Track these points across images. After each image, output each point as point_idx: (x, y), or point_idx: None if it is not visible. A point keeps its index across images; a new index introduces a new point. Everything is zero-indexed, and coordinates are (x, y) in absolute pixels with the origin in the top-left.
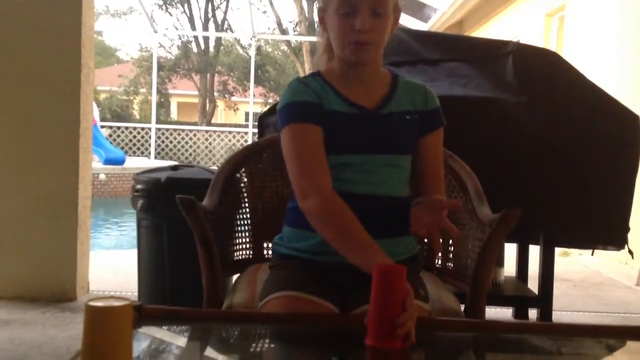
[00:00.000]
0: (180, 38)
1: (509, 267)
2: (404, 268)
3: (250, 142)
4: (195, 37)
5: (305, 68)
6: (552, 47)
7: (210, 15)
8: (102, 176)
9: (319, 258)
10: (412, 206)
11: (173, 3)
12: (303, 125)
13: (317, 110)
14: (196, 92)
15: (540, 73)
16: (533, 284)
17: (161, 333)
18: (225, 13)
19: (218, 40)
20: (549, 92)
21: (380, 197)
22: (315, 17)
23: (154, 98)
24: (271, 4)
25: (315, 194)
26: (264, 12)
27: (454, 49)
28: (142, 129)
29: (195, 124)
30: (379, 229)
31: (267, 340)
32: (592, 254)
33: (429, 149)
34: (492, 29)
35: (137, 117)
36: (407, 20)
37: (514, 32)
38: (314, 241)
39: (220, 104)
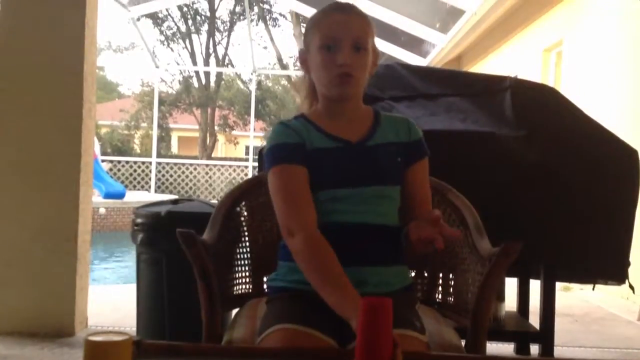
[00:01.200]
0: (181, 73)
1: (510, 302)
2: (389, 301)
3: (250, 175)
4: (197, 72)
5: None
6: (550, 83)
7: (211, 50)
8: (102, 210)
9: (311, 289)
10: (408, 225)
11: (175, 39)
12: (288, 166)
13: (300, 151)
14: (197, 126)
15: (538, 107)
16: (534, 319)
17: None
18: (226, 48)
19: (219, 75)
20: (547, 126)
21: (371, 226)
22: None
23: (154, 132)
24: (272, 39)
25: (300, 231)
26: (265, 47)
27: (452, 84)
28: (143, 163)
29: (195, 157)
30: (371, 257)
31: None
32: (593, 289)
33: (415, 179)
34: (490, 65)
35: (138, 151)
36: (406, 56)
37: (512, 67)
38: None
39: (220, 137)
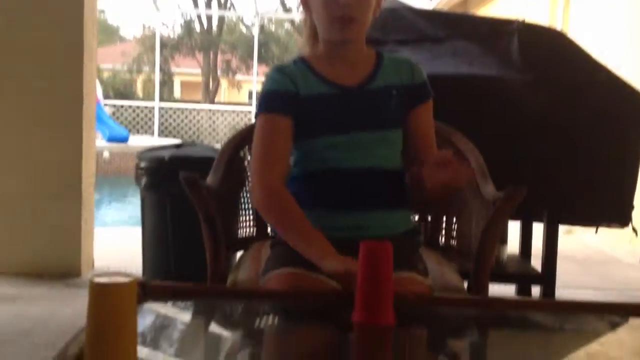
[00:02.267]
0: (183, 16)
1: (513, 245)
2: (389, 245)
3: (253, 120)
4: (199, 16)
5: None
6: (558, 26)
7: None
8: (105, 154)
9: None
10: (414, 170)
11: None
12: (272, 116)
13: (289, 100)
14: (199, 71)
15: (546, 52)
16: (536, 262)
17: (165, 309)
18: None
19: (221, 18)
20: (554, 71)
21: (370, 170)
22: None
23: (157, 76)
24: None
25: (260, 189)
26: None
27: (458, 27)
28: (146, 107)
29: (198, 102)
30: (371, 201)
31: (269, 316)
32: (596, 232)
33: (419, 122)
34: (497, 8)
35: (140, 95)
36: None
37: (519, 10)
38: (311, 218)
39: (223, 82)
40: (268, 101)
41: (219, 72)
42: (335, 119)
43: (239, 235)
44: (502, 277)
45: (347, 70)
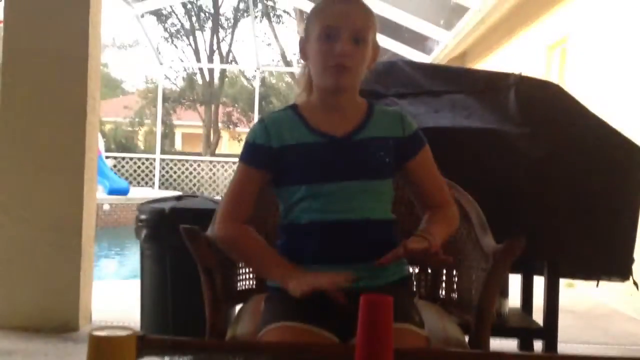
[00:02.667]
0: (185, 70)
1: (514, 299)
2: (390, 299)
3: None
4: (200, 69)
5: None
6: (554, 80)
7: (215, 47)
8: (106, 206)
9: None
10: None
11: (179, 36)
12: (247, 168)
13: (262, 153)
14: (200, 123)
15: (542, 104)
16: (538, 316)
17: None
18: (230, 45)
19: (223, 72)
20: (551, 123)
21: (358, 222)
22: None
23: (158, 129)
24: (275, 36)
25: (221, 222)
26: (269, 44)
27: (456, 81)
28: (147, 159)
29: (199, 154)
30: (361, 253)
31: None
32: (597, 286)
33: (420, 170)
34: (494, 61)
35: (142, 147)
36: (410, 53)
37: (516, 64)
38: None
39: (224, 134)
40: (244, 152)
41: (220, 125)
42: (321, 167)
43: (238, 288)
44: (504, 331)
45: (337, 119)
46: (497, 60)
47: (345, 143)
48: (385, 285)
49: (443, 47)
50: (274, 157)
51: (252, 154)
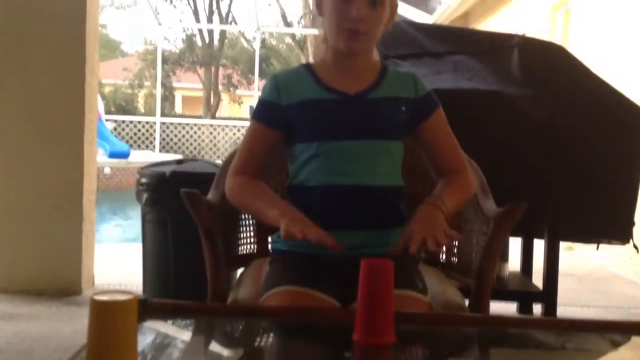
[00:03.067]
0: (184, 31)
1: (514, 262)
2: (390, 263)
3: None
4: (200, 30)
5: (310, 61)
6: (558, 41)
7: (214, 8)
8: (107, 170)
9: (316, 252)
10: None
11: None
12: (259, 126)
13: (273, 111)
14: (200, 86)
15: (546, 66)
16: (538, 279)
17: (166, 327)
18: (229, 6)
19: (222, 33)
20: (554, 85)
21: (368, 188)
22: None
23: (158, 91)
24: None
25: (231, 176)
26: (269, 4)
27: (459, 42)
28: (147, 122)
29: (199, 117)
30: (369, 220)
31: (269, 335)
32: (597, 249)
33: (433, 132)
34: (497, 22)
35: (142, 110)
36: (412, 13)
37: (520, 25)
38: None
39: (224, 97)
40: (256, 109)
41: (220, 87)
42: (333, 124)
43: (239, 252)
44: (504, 294)
45: (349, 78)
46: (500, 21)
47: (358, 101)
48: (389, 253)
49: (445, 7)
50: (284, 114)
51: (263, 111)
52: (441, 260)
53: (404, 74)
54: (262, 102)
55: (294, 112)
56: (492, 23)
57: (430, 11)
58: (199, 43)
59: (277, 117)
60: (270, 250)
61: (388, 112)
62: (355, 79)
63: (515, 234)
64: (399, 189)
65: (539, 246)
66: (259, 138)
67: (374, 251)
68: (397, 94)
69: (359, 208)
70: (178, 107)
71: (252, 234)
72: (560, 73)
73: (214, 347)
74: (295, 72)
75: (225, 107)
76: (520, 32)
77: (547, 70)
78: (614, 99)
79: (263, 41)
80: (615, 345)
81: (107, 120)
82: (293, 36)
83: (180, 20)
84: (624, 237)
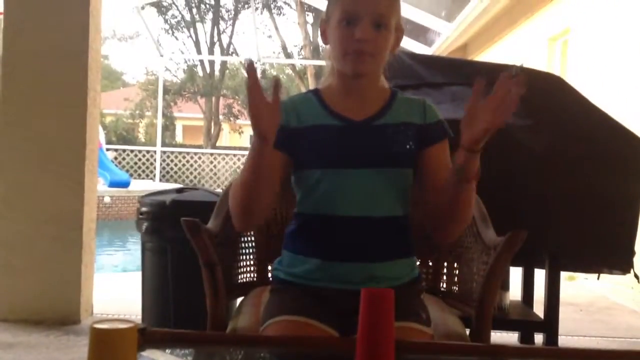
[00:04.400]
0: (186, 62)
1: (515, 291)
2: (391, 292)
3: None
4: (201, 61)
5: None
6: (556, 72)
7: (215, 39)
8: (107, 199)
9: (316, 284)
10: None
11: (179, 27)
12: None
13: (280, 133)
14: (201, 115)
15: (544, 96)
16: (539, 308)
17: (165, 356)
18: (230, 37)
19: (223, 63)
20: (553, 115)
21: (371, 219)
22: (320, 42)
23: (159, 121)
24: (276, 28)
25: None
26: (269, 36)
27: (457, 72)
28: (148, 151)
29: (200, 146)
30: (374, 252)
31: None
32: (598, 279)
33: (436, 160)
34: (495, 53)
35: (143, 140)
36: (411, 45)
37: (518, 56)
38: (310, 266)
39: (225, 126)
40: None
41: (220, 117)
42: (338, 151)
43: (239, 281)
44: (505, 324)
45: (357, 103)
46: (499, 53)
47: (364, 128)
48: (397, 286)
49: (444, 39)
50: (291, 137)
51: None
52: (442, 289)
53: (415, 100)
54: None
55: (300, 136)
56: (491, 54)
57: (429, 43)
58: (200, 73)
59: (285, 140)
60: (271, 278)
61: (394, 139)
62: (363, 104)
63: (515, 264)
64: (404, 219)
65: (540, 275)
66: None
67: (380, 285)
68: (405, 120)
69: (361, 240)
70: (179, 137)
71: (252, 262)
72: (559, 104)
73: None
74: (303, 98)
75: (226, 137)
76: (518, 63)
77: (545, 101)
78: (613, 130)
79: (263, 72)
80: None
81: (107, 149)
82: (293, 67)
83: (182, 51)
84: (624, 266)
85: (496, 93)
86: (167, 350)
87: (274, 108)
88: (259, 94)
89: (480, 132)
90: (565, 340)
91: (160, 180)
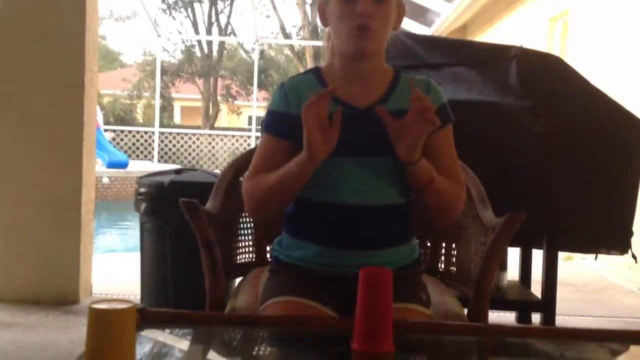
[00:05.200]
0: (183, 42)
1: (513, 272)
2: (389, 271)
3: (253, 145)
4: (199, 41)
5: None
6: (556, 52)
7: (213, 19)
8: (105, 180)
9: (317, 266)
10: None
11: (177, 7)
12: (270, 137)
13: (283, 121)
14: (199, 96)
15: (544, 77)
16: (536, 289)
17: (164, 336)
18: (228, 17)
19: (221, 44)
20: (552, 97)
21: (373, 207)
22: (319, 23)
23: (157, 102)
24: (275, 8)
25: (246, 188)
26: (268, 16)
27: (457, 53)
28: (146, 132)
29: (198, 127)
30: (376, 240)
31: (267, 344)
32: (596, 259)
33: (436, 146)
34: (495, 34)
35: (141, 120)
36: (410, 25)
37: (518, 37)
38: (309, 252)
39: (223, 107)
40: (266, 121)
41: (218, 98)
42: (340, 139)
43: (237, 261)
44: (502, 304)
45: (359, 88)
46: (498, 33)
47: (366, 115)
48: (397, 268)
49: (444, 19)
50: (294, 124)
51: (273, 122)
52: (440, 270)
53: (420, 81)
54: (271, 112)
55: (302, 122)
56: (490, 35)
57: (428, 23)
58: (198, 54)
59: (288, 127)
60: (270, 258)
61: None
62: (366, 89)
63: (513, 244)
64: (406, 206)
65: (537, 256)
66: (271, 149)
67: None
68: (409, 106)
69: (363, 228)
70: (177, 118)
71: (250, 242)
72: (558, 84)
73: (212, 356)
74: (304, 80)
75: (224, 118)
76: (518, 44)
77: (545, 81)
78: (612, 110)
79: (262, 52)
80: (614, 354)
81: (105, 130)
82: (292, 47)
83: (180, 32)
84: (622, 247)
85: (412, 107)
86: (165, 330)
87: (332, 137)
88: (323, 113)
89: (409, 145)
90: (562, 320)
91: (159, 161)
